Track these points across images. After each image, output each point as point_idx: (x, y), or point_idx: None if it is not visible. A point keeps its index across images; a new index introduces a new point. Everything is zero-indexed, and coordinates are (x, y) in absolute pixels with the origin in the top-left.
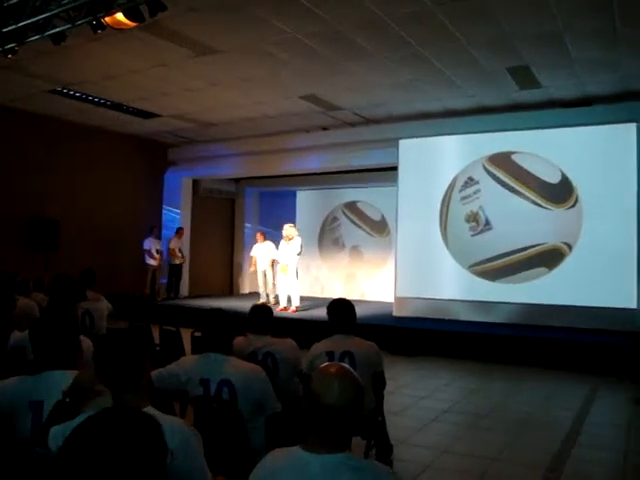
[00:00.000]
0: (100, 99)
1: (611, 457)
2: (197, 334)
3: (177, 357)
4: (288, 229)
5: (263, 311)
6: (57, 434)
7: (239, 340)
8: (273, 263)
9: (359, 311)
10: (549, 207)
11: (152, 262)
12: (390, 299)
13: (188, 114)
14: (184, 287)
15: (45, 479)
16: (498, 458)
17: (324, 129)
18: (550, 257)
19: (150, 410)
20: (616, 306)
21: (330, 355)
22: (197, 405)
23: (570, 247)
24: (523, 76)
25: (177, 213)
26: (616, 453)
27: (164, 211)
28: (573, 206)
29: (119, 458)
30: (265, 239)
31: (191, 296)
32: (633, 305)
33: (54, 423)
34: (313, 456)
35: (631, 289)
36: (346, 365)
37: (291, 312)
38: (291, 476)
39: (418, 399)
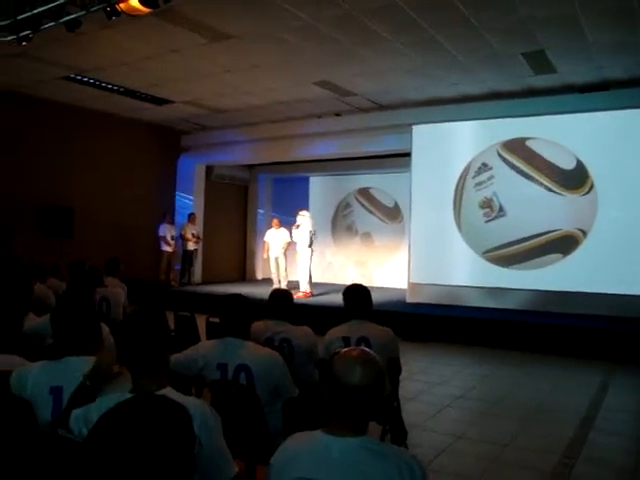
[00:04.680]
0: (114, 86)
1: (627, 443)
2: (212, 320)
3: (192, 343)
4: (298, 216)
5: (282, 297)
6: (78, 416)
7: (257, 325)
8: (287, 249)
9: (373, 297)
10: (564, 193)
11: (167, 248)
12: (403, 286)
13: (201, 100)
14: (197, 273)
15: (67, 461)
16: (512, 443)
17: (337, 115)
18: (564, 243)
19: (169, 392)
20: (631, 293)
21: (346, 340)
22: (214, 389)
23: (585, 233)
24: (538, 61)
25: (190, 199)
26: (632, 439)
27: (177, 197)
28: (588, 192)
29: (148, 446)
30: (281, 226)
31: (204, 282)
32: None
33: (75, 406)
34: (334, 439)
35: None
36: (368, 349)
37: (302, 296)
38: (312, 459)
39: (432, 385)
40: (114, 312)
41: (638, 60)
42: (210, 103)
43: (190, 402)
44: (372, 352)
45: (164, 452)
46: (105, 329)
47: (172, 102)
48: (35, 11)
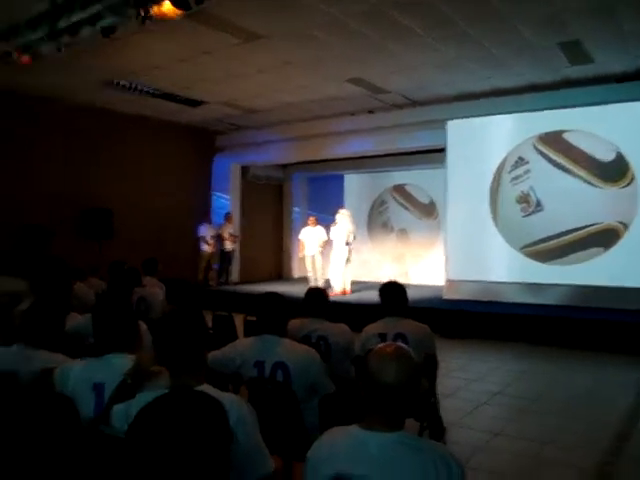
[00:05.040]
0: (149, 89)
1: None
2: (250, 318)
3: (230, 341)
4: (337, 214)
5: (318, 295)
6: (119, 412)
7: (293, 323)
8: (324, 247)
9: (409, 294)
10: (603, 186)
11: (207, 248)
12: (440, 282)
13: (235, 101)
14: (234, 273)
15: (109, 456)
16: (551, 441)
17: (370, 112)
18: (605, 237)
19: (207, 388)
20: None
21: (382, 337)
22: (251, 387)
23: (626, 226)
24: (574, 51)
25: (226, 199)
26: None
27: (214, 197)
28: (629, 184)
29: (184, 438)
30: (317, 224)
31: (242, 281)
32: None
33: (117, 402)
34: (370, 434)
35: None
36: (403, 345)
37: (342, 293)
38: (349, 454)
39: (469, 382)
40: (152, 311)
41: None
42: (244, 103)
43: (227, 398)
44: (407, 348)
45: (200, 445)
46: (143, 327)
47: (206, 103)
48: (73, 19)
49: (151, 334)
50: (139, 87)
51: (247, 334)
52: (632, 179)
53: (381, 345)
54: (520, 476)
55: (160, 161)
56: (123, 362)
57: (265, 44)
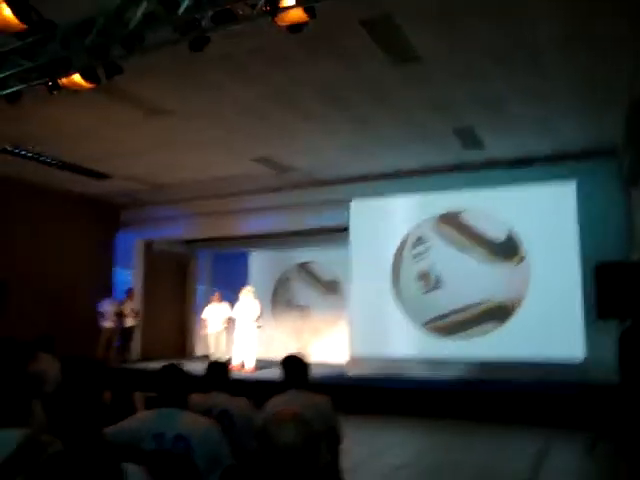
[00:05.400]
0: (52, 159)
1: None
2: (150, 395)
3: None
4: (243, 290)
5: (220, 368)
6: None
7: (195, 397)
8: (228, 324)
9: (313, 372)
10: (497, 264)
11: (108, 324)
12: (343, 360)
13: (140, 175)
14: (136, 350)
15: None
16: None
17: (276, 190)
18: (499, 313)
19: None
20: (565, 356)
21: None
22: (150, 460)
23: (519, 302)
24: (467, 137)
25: (129, 274)
26: None
27: (116, 272)
28: (520, 262)
29: None
30: (221, 300)
31: (143, 359)
32: (581, 356)
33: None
34: None
35: (578, 341)
36: (297, 410)
37: (249, 371)
38: None
39: (372, 456)
40: (47, 387)
41: (556, 137)
42: (149, 178)
43: (129, 468)
44: (302, 412)
45: None
46: (37, 405)
47: (111, 177)
48: None
49: (45, 409)
50: (42, 156)
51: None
52: (523, 257)
53: (279, 409)
54: None
55: (61, 233)
56: (12, 437)
57: (173, 120)
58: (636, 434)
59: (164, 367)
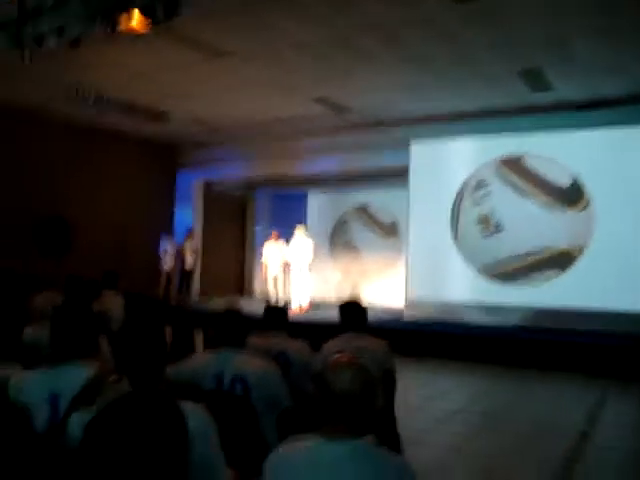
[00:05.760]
0: (112, 101)
1: (623, 457)
2: (210, 334)
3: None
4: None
5: (279, 310)
6: (76, 422)
7: (254, 339)
8: (285, 267)
9: (370, 315)
10: (560, 210)
11: (168, 264)
12: (400, 303)
13: (200, 117)
14: (195, 289)
15: (63, 470)
16: (508, 459)
17: (335, 131)
18: (561, 260)
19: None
20: (627, 308)
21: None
22: (210, 399)
23: (582, 250)
24: (535, 78)
25: (189, 215)
26: (628, 453)
27: (176, 213)
28: (585, 209)
29: (140, 443)
30: (279, 239)
31: (202, 298)
32: None
33: (74, 411)
34: (326, 444)
35: None
36: (355, 356)
37: (302, 311)
38: (305, 464)
39: (429, 400)
40: (112, 324)
41: (630, 79)
42: (208, 119)
43: (187, 406)
44: (363, 359)
45: (157, 447)
46: (103, 340)
47: (170, 118)
48: (39, 29)
49: (110, 345)
50: (102, 99)
51: (208, 349)
52: (587, 203)
53: (337, 356)
54: None
55: (122, 175)
56: (81, 372)
57: (232, 61)
58: None
59: (225, 310)
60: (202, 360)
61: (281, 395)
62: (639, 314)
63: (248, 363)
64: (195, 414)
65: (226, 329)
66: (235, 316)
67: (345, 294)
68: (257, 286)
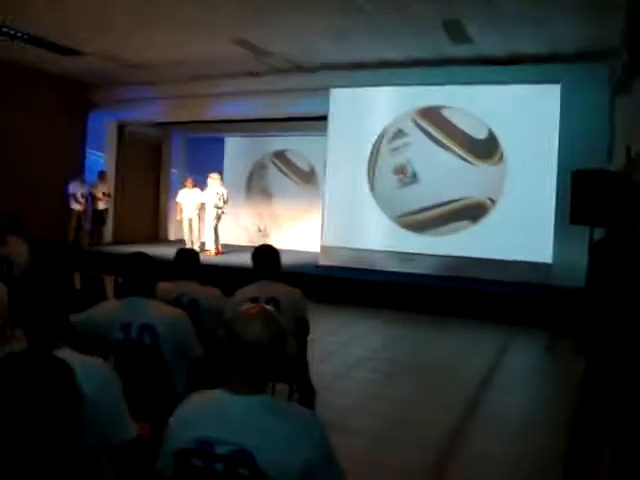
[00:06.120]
0: (20, 32)
1: (521, 400)
2: (120, 280)
3: (99, 304)
4: (208, 178)
5: (189, 256)
6: None
7: (164, 285)
8: (200, 210)
9: (285, 259)
10: (475, 162)
11: (77, 207)
12: (316, 249)
13: (112, 53)
14: (108, 233)
15: None
16: (416, 403)
17: (255, 75)
18: (474, 211)
19: (66, 352)
20: (534, 260)
21: (255, 301)
22: (118, 350)
23: (493, 202)
24: (456, 31)
25: (101, 157)
26: (526, 396)
27: (87, 155)
28: (498, 162)
29: (25, 403)
30: (194, 186)
31: (115, 242)
32: (549, 260)
33: None
34: (233, 398)
35: (547, 245)
36: (267, 306)
37: (213, 254)
38: (211, 418)
39: (341, 346)
40: (15, 272)
41: (547, 37)
42: (122, 56)
43: (88, 362)
44: (272, 309)
45: (42, 408)
46: (2, 289)
47: (82, 53)
48: None
49: (12, 294)
50: (9, 30)
51: (117, 296)
52: (501, 157)
53: (246, 306)
54: (386, 436)
55: (27, 113)
56: None
57: None
58: (595, 334)
59: (132, 254)
60: (109, 309)
61: (191, 343)
62: (543, 264)
63: (157, 311)
64: (97, 372)
65: (134, 276)
66: (143, 262)
67: (259, 239)
68: (172, 231)
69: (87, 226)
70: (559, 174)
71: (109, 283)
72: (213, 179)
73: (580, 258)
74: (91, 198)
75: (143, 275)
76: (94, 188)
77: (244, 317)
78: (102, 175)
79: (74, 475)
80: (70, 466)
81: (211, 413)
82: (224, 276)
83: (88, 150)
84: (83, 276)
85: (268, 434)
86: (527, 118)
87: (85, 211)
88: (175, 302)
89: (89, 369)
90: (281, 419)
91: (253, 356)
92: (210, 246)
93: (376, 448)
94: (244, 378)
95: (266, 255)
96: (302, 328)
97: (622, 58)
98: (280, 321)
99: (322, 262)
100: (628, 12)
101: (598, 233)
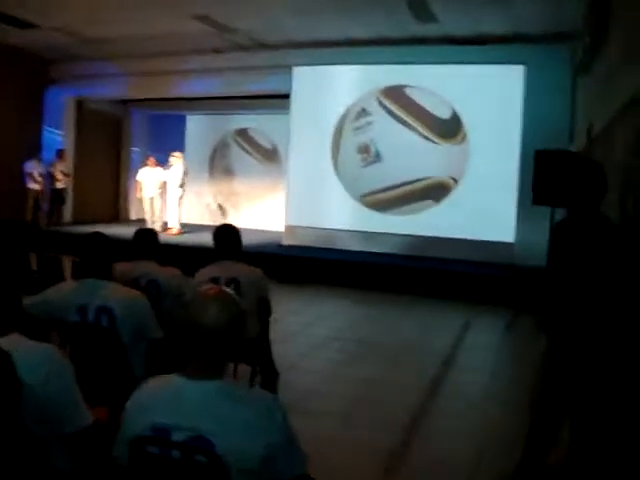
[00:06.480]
0: None
1: (483, 378)
2: (77, 261)
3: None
4: (171, 157)
5: (148, 236)
6: None
7: (122, 266)
8: (162, 189)
9: (248, 239)
10: (438, 142)
11: (34, 186)
12: (280, 228)
13: (71, 27)
14: (67, 213)
15: None
16: (380, 383)
17: (217, 52)
18: (437, 191)
19: (13, 339)
20: (496, 239)
21: (215, 281)
22: (74, 333)
23: (456, 182)
24: (421, 9)
25: (59, 135)
26: (487, 374)
27: (45, 132)
28: (462, 142)
29: None
30: (156, 165)
31: (75, 222)
32: (511, 239)
33: None
34: (189, 383)
35: (510, 224)
36: (226, 289)
37: (173, 234)
38: (167, 404)
39: (305, 326)
40: None
41: (512, 18)
42: (81, 31)
43: (34, 349)
44: (230, 292)
45: None
46: None
47: (38, 27)
48: None
49: None
50: None
51: (75, 277)
52: (464, 137)
53: (203, 288)
54: (352, 416)
55: None
56: None
57: None
58: (556, 312)
59: (89, 235)
60: (65, 291)
61: (149, 325)
62: (506, 244)
63: (114, 293)
64: (47, 359)
65: (91, 257)
66: (99, 243)
67: (221, 219)
68: (133, 210)
69: (45, 206)
70: (522, 154)
71: (67, 264)
72: (177, 157)
73: (541, 238)
74: (49, 177)
75: (99, 256)
76: (52, 167)
77: (201, 300)
78: (60, 153)
79: (16, 465)
80: (10, 456)
81: (168, 399)
82: (186, 256)
83: (46, 128)
84: (40, 257)
85: (226, 420)
86: (491, 98)
87: (43, 191)
88: (133, 283)
89: (35, 357)
90: (239, 405)
91: (210, 340)
92: (174, 224)
93: (341, 429)
94: (201, 363)
95: (227, 235)
96: (264, 308)
97: (584, 40)
98: (239, 303)
99: (286, 242)
100: None
101: (559, 213)
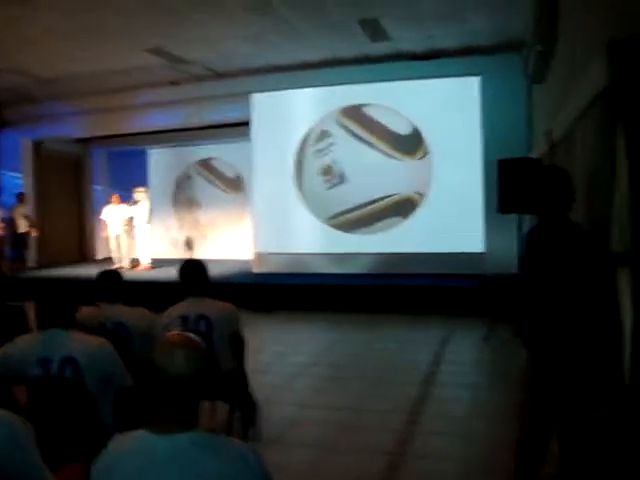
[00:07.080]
0: None
1: (466, 393)
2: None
3: (22, 335)
4: (135, 193)
5: (112, 277)
6: None
7: (86, 311)
8: (129, 226)
9: (218, 270)
10: (401, 158)
11: None
12: (249, 256)
13: (23, 68)
14: (32, 257)
15: None
16: (361, 407)
17: (174, 84)
18: (403, 207)
19: None
20: (466, 251)
21: (184, 319)
22: (35, 388)
23: (422, 196)
24: (374, 29)
25: (19, 178)
26: (469, 388)
27: (4, 176)
28: (423, 157)
29: None
30: (120, 201)
31: (40, 266)
32: (481, 249)
33: None
34: (159, 438)
35: (478, 235)
36: (189, 334)
37: (143, 270)
38: (137, 462)
39: (281, 355)
40: None
41: (465, 31)
42: (34, 71)
43: None
44: (194, 336)
45: None
46: None
47: None
48: None
49: None
50: None
51: (39, 326)
52: (426, 152)
53: (167, 335)
54: (334, 444)
55: None
56: None
57: (58, 4)
58: (534, 320)
59: (48, 282)
60: (25, 344)
61: (116, 373)
62: (476, 254)
63: (77, 342)
64: (4, 424)
65: (51, 305)
66: (59, 289)
67: (189, 252)
68: (99, 249)
69: (8, 251)
70: (484, 164)
71: (32, 312)
72: (141, 192)
73: (510, 245)
74: (11, 222)
75: (60, 304)
76: (13, 211)
77: (166, 348)
78: (21, 197)
79: None
80: None
81: (136, 457)
82: (157, 291)
83: (4, 171)
84: (2, 306)
85: (200, 474)
86: (450, 111)
87: (5, 236)
88: (99, 328)
89: None
90: (214, 456)
91: (178, 389)
92: (145, 261)
93: (326, 457)
94: (172, 414)
95: (192, 271)
96: (237, 343)
97: (535, 48)
98: (203, 347)
99: (256, 269)
100: (536, 4)
101: (526, 220)
